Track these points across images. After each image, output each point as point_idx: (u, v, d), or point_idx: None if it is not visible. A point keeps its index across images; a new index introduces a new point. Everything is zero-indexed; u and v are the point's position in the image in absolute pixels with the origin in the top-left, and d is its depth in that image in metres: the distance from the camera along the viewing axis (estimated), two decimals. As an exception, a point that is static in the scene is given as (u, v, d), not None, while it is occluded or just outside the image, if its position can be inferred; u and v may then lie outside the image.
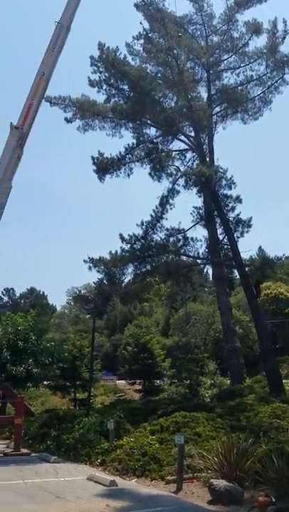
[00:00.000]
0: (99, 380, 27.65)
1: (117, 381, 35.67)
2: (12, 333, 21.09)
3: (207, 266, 26.65)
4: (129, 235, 21.04)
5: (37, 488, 9.92)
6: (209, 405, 17.14)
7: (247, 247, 50.33)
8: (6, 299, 72.17)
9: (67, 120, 24.61)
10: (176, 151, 25.09)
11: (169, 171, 22.80)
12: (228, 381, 24.29)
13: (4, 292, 74.27)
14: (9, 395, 18.02)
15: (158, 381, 28.85)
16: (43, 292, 75.20)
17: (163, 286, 59.70)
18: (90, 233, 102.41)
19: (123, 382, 33.07)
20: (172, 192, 22.39)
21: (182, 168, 23.71)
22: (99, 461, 12.47)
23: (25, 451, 14.45)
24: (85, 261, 20.29)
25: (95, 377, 25.86)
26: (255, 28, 25.91)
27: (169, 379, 28.44)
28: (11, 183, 17.62)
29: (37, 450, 14.65)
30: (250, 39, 26.66)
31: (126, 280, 23.48)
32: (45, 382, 25.98)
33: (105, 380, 35.90)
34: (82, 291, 70.27)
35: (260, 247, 61.77)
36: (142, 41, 26.35)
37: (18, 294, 74.10)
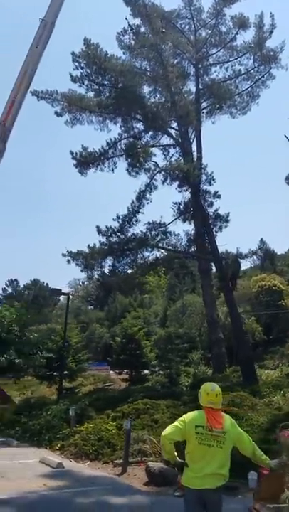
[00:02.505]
0: (85, 370, 28.40)
1: (111, 371, 36.54)
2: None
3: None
4: (106, 226, 21.43)
5: (-14, 469, 10.52)
6: (179, 393, 17.67)
7: (224, 241, 52.34)
8: (9, 290, 73.41)
9: (57, 114, 24.83)
10: (158, 146, 25.37)
11: (147, 167, 23.10)
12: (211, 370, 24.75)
13: (8, 283, 75.49)
14: None
15: (145, 371, 29.55)
16: (47, 284, 76.07)
17: (163, 278, 60.39)
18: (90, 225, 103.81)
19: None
20: (150, 187, 22.70)
21: (165, 163, 23.99)
22: (59, 445, 13.09)
23: (-8, 436, 15.16)
24: (63, 254, 20.58)
25: (82, 367, 26.67)
26: (241, 23, 26.02)
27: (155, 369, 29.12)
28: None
29: (6, 435, 15.34)
30: (237, 33, 26.79)
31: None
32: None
33: (99, 370, 36.87)
34: (85, 283, 71.50)
35: (261, 239, 62.09)
36: (128, 36, 26.72)
37: (22, 286, 75.23)
